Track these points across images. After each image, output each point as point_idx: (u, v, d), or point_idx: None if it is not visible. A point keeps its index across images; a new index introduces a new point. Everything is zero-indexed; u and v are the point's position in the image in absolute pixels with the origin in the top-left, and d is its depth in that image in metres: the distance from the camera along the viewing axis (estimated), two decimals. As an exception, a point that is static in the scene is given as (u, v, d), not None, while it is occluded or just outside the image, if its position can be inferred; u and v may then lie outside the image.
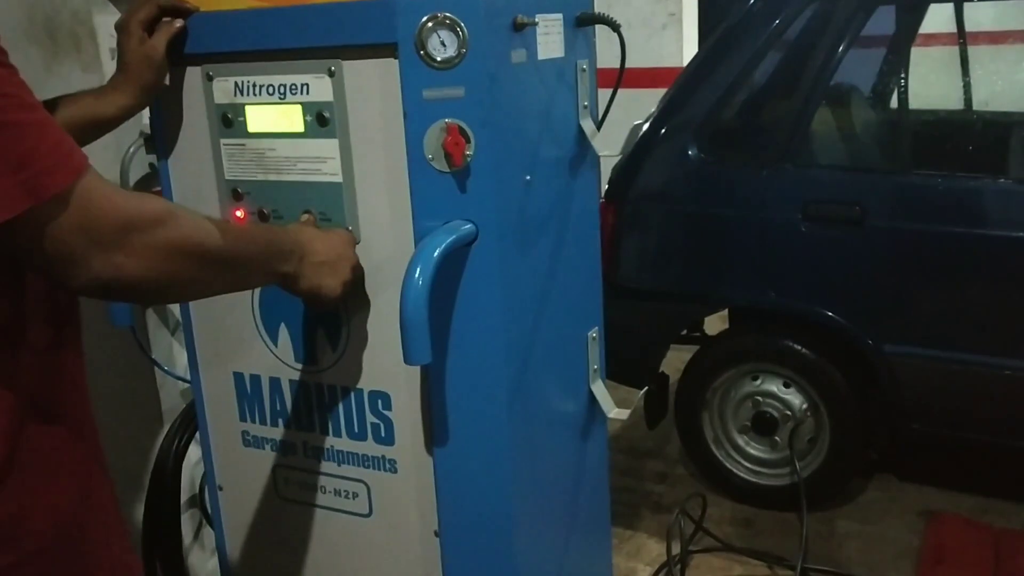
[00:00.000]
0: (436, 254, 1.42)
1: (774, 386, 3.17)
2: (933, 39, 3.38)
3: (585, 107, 1.76)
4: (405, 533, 1.69)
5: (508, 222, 1.55)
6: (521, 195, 1.59)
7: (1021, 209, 2.74)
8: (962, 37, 3.46)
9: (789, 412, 3.16)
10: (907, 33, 3.44)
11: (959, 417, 2.96)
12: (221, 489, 1.87)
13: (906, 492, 3.32)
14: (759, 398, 3.20)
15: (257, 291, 1.70)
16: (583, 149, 1.79)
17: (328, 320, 1.65)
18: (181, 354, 2.32)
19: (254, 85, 1.58)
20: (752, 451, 3.27)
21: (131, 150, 2.14)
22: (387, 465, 1.67)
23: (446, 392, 1.57)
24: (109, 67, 2.11)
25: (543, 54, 1.61)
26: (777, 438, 3.20)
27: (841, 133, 3.15)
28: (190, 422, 1.94)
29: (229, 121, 1.62)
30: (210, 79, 1.61)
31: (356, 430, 1.68)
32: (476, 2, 1.43)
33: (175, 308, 2.30)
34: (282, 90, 1.57)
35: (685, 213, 3.15)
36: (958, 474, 3.36)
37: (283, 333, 1.70)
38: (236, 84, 1.60)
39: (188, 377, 1.89)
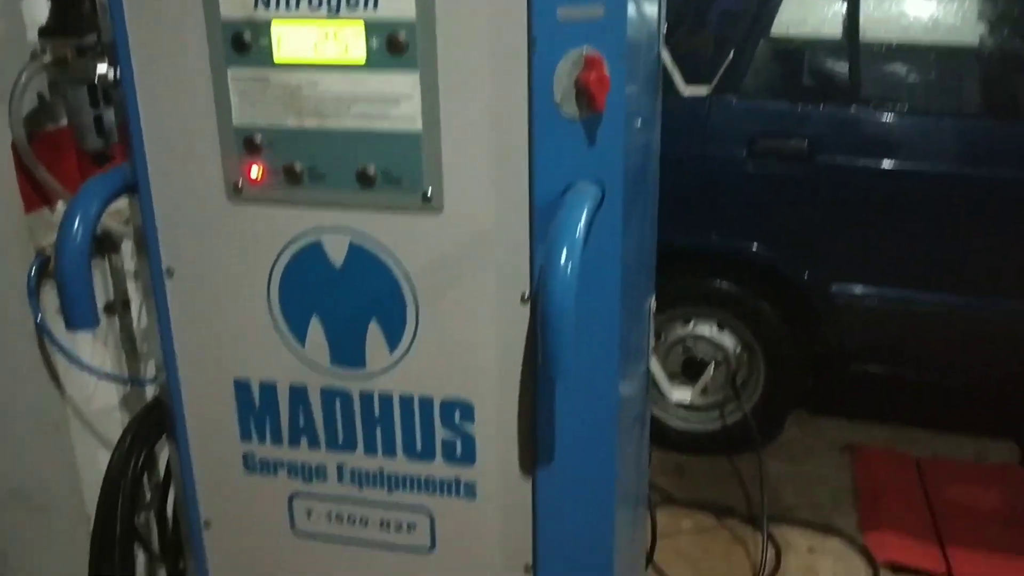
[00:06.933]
0: (579, 234, 1.08)
1: (707, 329, 3.04)
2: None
3: (664, 35, 1.45)
4: (481, 569, 1.36)
5: (629, 182, 1.22)
6: (635, 146, 1.27)
7: (965, 145, 2.71)
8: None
9: (722, 355, 3.03)
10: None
11: (905, 356, 2.95)
12: (208, 526, 1.44)
13: (823, 427, 3.32)
14: (689, 343, 3.05)
15: (276, 276, 1.27)
16: (659, 86, 1.48)
17: (386, 309, 1.25)
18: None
19: (287, -7, 1.14)
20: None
21: (22, 78, 1.56)
22: (462, 489, 1.32)
23: (556, 396, 1.24)
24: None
25: (649, -36, 1.28)
26: (708, 384, 3.07)
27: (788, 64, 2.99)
28: (150, 432, 1.47)
29: (244, 44, 1.17)
30: (215, -17, 1.15)
31: (419, 448, 1.31)
32: None
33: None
34: (334, 1, 1.13)
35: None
36: (868, 405, 3.40)
37: (315, 328, 1.29)
38: (258, -9, 1.14)
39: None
